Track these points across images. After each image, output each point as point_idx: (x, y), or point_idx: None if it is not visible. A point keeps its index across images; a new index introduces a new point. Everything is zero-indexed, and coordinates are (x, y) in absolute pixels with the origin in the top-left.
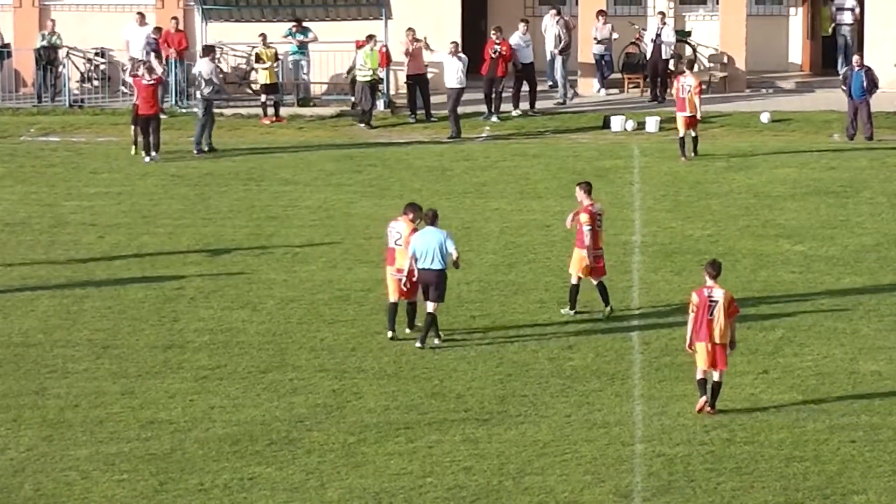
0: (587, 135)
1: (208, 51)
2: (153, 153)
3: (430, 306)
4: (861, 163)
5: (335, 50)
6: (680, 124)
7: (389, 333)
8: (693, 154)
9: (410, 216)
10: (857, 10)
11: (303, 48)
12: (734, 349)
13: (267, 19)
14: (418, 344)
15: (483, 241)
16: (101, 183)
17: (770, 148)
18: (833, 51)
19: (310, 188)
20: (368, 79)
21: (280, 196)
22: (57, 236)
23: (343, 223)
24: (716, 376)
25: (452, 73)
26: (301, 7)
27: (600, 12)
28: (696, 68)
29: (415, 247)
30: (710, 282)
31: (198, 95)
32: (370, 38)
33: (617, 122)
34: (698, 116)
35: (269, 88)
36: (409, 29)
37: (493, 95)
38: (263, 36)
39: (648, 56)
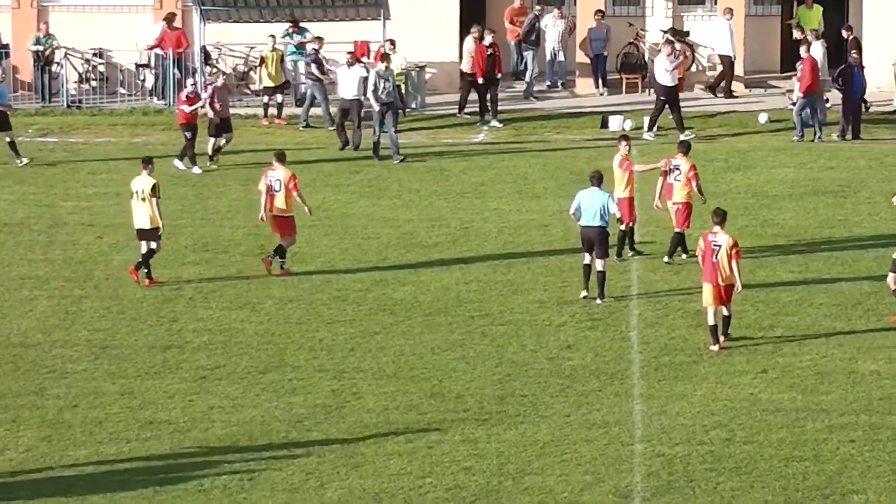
0: (585, 134)
1: None
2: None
3: (599, 264)
4: (859, 162)
5: (334, 51)
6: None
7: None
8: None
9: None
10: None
11: (300, 48)
12: (741, 292)
13: (265, 20)
14: (599, 300)
15: (482, 241)
16: (99, 183)
17: (768, 148)
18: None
19: (308, 188)
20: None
21: None
22: (55, 236)
23: (341, 223)
24: (725, 311)
25: (350, 83)
26: (299, 7)
27: (598, 12)
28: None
29: (579, 203)
30: (714, 227)
31: None
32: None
33: (615, 122)
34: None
35: (272, 90)
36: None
37: (490, 98)
38: (273, 38)
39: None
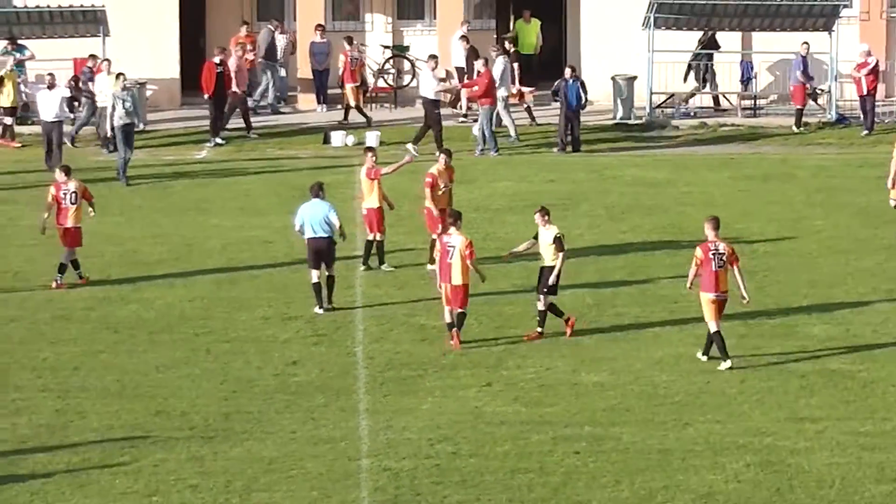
0: (307, 150)
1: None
2: None
3: (328, 269)
4: (579, 175)
5: (54, 68)
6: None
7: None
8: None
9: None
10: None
11: (20, 66)
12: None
13: None
14: (325, 306)
15: (205, 257)
16: None
17: (489, 162)
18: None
19: (28, 206)
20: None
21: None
22: None
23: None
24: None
25: (51, 106)
26: (17, 25)
27: (319, 27)
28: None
29: (303, 217)
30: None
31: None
32: (107, 62)
33: (337, 138)
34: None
35: (9, 110)
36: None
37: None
38: (13, 57)
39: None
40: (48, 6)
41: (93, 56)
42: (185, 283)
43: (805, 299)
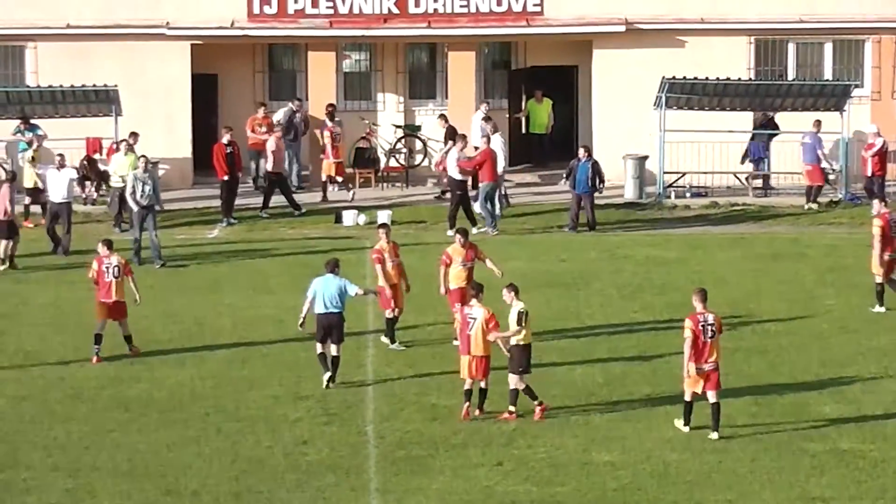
0: (319, 229)
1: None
2: None
3: (334, 349)
4: (591, 254)
5: (67, 147)
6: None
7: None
8: None
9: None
10: None
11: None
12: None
13: None
14: (331, 384)
15: (216, 336)
16: None
17: (499, 241)
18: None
19: (39, 285)
20: (120, 185)
21: (11, 294)
22: None
23: (74, 320)
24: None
25: (59, 186)
26: (30, 104)
27: (330, 106)
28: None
29: (316, 290)
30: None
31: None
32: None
33: (349, 217)
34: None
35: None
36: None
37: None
38: (126, 142)
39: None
40: (60, 86)
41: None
42: (197, 361)
43: (816, 378)
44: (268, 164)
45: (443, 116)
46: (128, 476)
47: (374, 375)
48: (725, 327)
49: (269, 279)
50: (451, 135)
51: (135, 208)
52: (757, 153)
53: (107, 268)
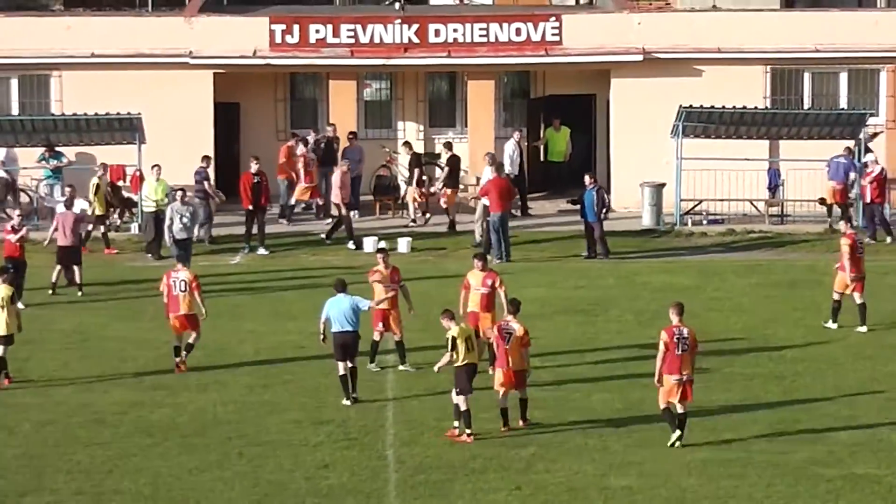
0: (339, 255)
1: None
2: None
3: (347, 365)
4: (608, 281)
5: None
6: None
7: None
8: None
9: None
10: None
11: (57, 173)
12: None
13: (20, 144)
14: (353, 395)
15: (238, 362)
16: None
17: (516, 268)
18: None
19: (64, 311)
20: (153, 210)
21: (34, 319)
22: None
23: (98, 345)
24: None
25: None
26: (55, 132)
27: (351, 133)
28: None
29: (329, 312)
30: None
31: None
32: (156, 168)
33: (369, 244)
34: None
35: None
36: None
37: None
38: (104, 166)
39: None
40: (84, 114)
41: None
42: (219, 387)
43: (832, 404)
44: (333, 195)
45: (407, 144)
46: (150, 500)
47: (394, 400)
48: (741, 354)
49: (291, 305)
50: (417, 162)
51: (168, 242)
52: (773, 181)
53: (174, 282)
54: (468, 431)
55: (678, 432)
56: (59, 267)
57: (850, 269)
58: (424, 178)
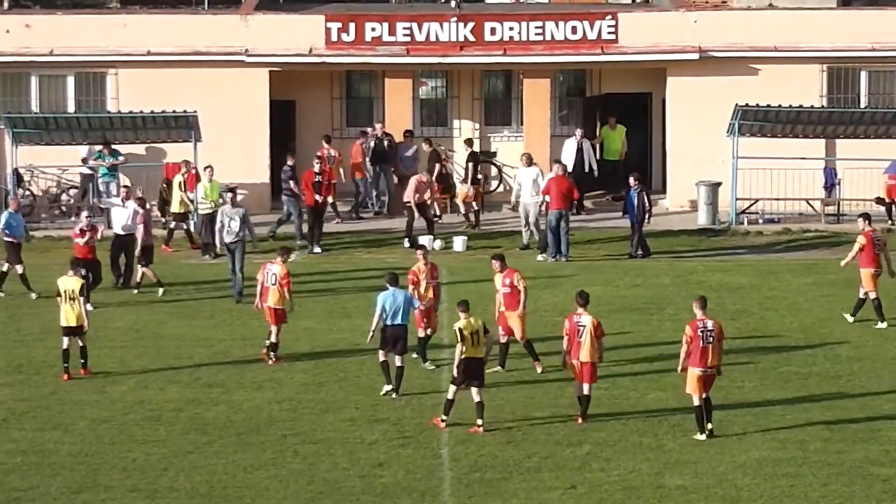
0: (395, 254)
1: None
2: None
3: (398, 360)
4: (664, 280)
5: (146, 173)
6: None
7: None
8: None
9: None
10: None
11: (113, 170)
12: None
13: (77, 142)
14: (395, 394)
15: (293, 360)
16: None
17: (574, 266)
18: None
19: (121, 309)
20: (209, 211)
21: (92, 317)
22: None
23: (154, 343)
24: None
25: (123, 219)
26: (111, 130)
27: (407, 132)
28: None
29: (384, 305)
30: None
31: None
32: (208, 169)
33: (425, 242)
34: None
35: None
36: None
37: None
38: (187, 163)
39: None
40: (141, 112)
41: (186, 162)
42: (274, 385)
43: (888, 404)
44: (407, 195)
45: (468, 141)
46: (206, 498)
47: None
48: (797, 353)
49: (347, 303)
50: (474, 160)
51: (218, 246)
52: (829, 180)
53: (267, 273)
54: (443, 417)
55: (708, 427)
56: (140, 268)
57: (874, 265)
58: (480, 176)
